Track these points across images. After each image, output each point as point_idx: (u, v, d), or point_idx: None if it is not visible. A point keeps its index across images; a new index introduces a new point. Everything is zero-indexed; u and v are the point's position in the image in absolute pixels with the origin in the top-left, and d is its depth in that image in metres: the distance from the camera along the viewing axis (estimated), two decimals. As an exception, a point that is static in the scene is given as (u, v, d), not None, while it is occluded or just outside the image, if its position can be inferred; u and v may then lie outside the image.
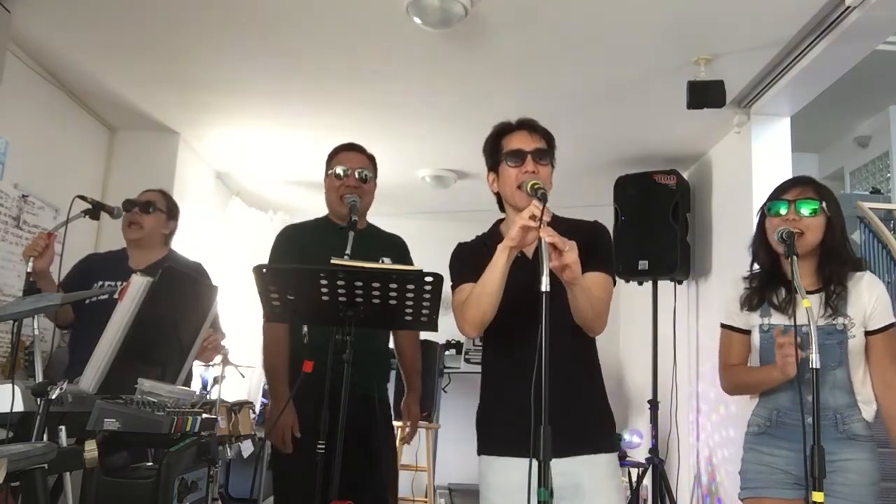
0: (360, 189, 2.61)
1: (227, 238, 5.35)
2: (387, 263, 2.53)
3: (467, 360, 5.63)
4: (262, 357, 2.61)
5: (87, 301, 2.86)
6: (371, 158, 2.73)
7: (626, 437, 4.80)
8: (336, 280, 1.87)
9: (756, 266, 2.28)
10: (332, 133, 3.35)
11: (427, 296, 1.90)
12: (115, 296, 1.96)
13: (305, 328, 2.48)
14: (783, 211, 2.14)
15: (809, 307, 1.88)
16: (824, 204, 2.14)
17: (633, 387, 5.62)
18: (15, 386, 1.70)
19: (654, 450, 4.23)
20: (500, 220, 2.10)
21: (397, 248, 2.74)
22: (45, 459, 1.55)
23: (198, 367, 3.85)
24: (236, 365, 3.80)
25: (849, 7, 2.70)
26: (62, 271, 2.79)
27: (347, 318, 1.92)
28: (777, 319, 2.17)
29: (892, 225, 4.09)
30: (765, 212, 2.21)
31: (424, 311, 1.96)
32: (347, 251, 2.25)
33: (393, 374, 2.97)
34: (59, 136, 3.95)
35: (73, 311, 2.91)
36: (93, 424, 1.74)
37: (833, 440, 2.02)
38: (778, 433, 2.15)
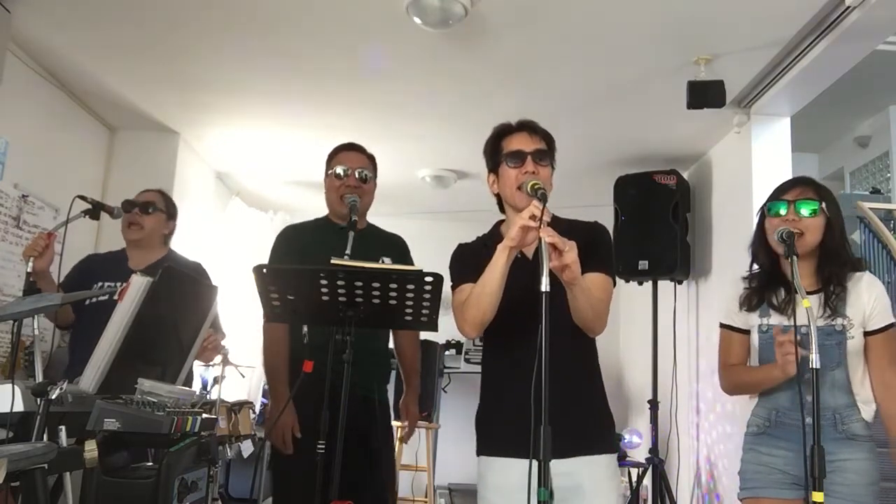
0: (361, 189, 2.61)
1: (227, 238, 5.35)
2: (387, 263, 2.53)
3: (467, 360, 5.63)
4: (262, 357, 2.61)
5: (87, 301, 2.86)
6: (371, 158, 2.73)
7: (626, 437, 4.80)
8: (336, 280, 1.87)
9: (756, 266, 2.29)
10: (332, 133, 3.35)
11: (427, 296, 1.90)
12: (115, 296, 1.96)
13: (305, 328, 2.48)
14: (783, 211, 2.14)
15: (810, 307, 1.89)
16: (824, 204, 2.14)
17: (633, 387, 5.62)
18: (15, 386, 1.70)
19: (654, 450, 4.23)
20: (501, 222, 2.11)
21: (397, 248, 2.74)
22: (45, 459, 1.55)
23: (198, 367, 3.85)
24: (236, 365, 3.80)
25: (849, 7, 2.70)
26: (62, 271, 2.79)
27: (347, 318, 1.93)
28: (776, 320, 2.17)
29: (892, 225, 4.08)
30: (764, 212, 2.21)
31: (424, 311, 1.96)
32: (347, 251, 2.25)
33: (393, 374, 2.97)
34: (59, 136, 3.95)
35: (73, 311, 2.91)
36: (93, 424, 1.74)
37: (832, 440, 2.03)
38: (777, 433, 2.15)
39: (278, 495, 2.54)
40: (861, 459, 2.06)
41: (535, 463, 1.44)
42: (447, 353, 5.71)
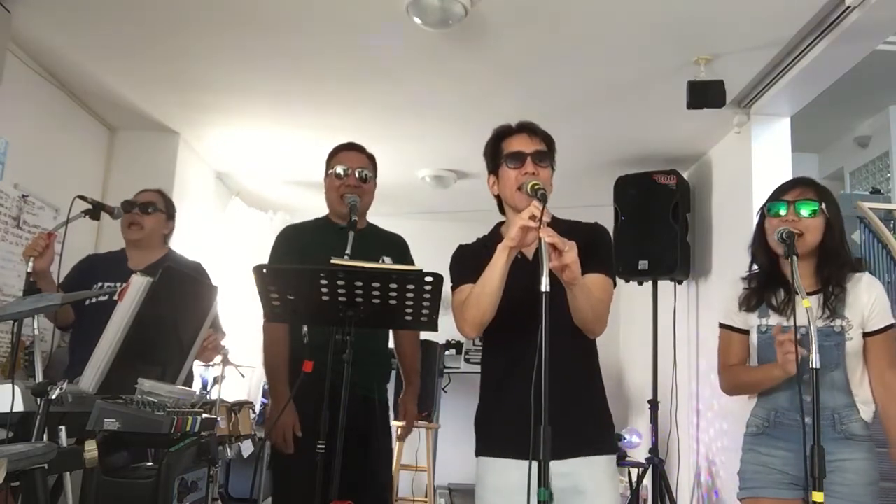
0: (361, 189, 2.61)
1: (227, 238, 5.35)
2: (387, 262, 2.54)
3: (467, 360, 5.63)
4: (262, 357, 2.61)
5: (87, 302, 2.86)
6: (371, 158, 2.73)
7: (626, 436, 4.80)
8: (336, 280, 1.87)
9: (755, 267, 2.29)
10: (332, 133, 3.35)
11: (427, 296, 1.90)
12: (115, 296, 1.96)
13: (305, 328, 2.48)
14: (783, 212, 2.14)
15: (810, 307, 1.89)
16: (824, 205, 2.14)
17: (633, 387, 5.62)
18: (15, 386, 1.70)
19: (654, 450, 4.23)
20: (501, 223, 2.11)
21: (397, 247, 2.74)
22: (45, 459, 1.55)
23: (198, 367, 3.86)
24: (236, 365, 3.80)
25: (849, 7, 2.70)
26: (62, 271, 2.79)
27: (347, 318, 1.93)
28: (775, 321, 2.17)
29: (892, 225, 4.08)
30: (764, 212, 2.21)
31: (424, 311, 1.96)
32: (347, 251, 2.25)
33: (393, 374, 2.97)
34: (59, 136, 3.95)
35: (73, 311, 2.91)
36: (93, 424, 1.74)
37: (831, 440, 2.03)
38: (776, 433, 2.15)
39: (278, 495, 2.54)
40: (860, 459, 2.06)
41: (534, 463, 1.44)
42: (447, 353, 5.72)
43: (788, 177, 3.53)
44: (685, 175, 4.63)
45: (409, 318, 2.00)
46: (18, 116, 3.54)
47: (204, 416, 2.05)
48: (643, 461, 4.35)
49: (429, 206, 5.83)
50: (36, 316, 1.91)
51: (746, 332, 2.24)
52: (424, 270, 1.84)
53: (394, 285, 1.87)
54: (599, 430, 1.96)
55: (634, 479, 4.47)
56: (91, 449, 1.70)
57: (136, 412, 1.80)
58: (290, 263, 2.46)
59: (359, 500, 2.06)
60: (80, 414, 1.77)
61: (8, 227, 3.49)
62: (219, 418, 3.42)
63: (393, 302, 1.92)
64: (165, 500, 1.83)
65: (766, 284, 2.21)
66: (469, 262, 1.98)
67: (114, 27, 3.28)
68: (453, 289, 2.00)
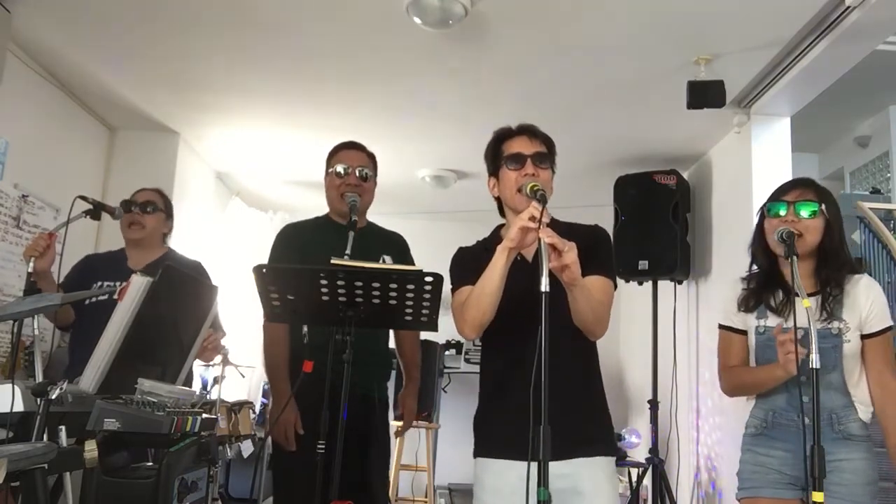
0: (361, 188, 2.62)
1: (227, 238, 5.35)
2: (387, 262, 2.54)
3: (467, 360, 5.63)
4: (262, 356, 2.61)
5: (87, 301, 2.86)
6: (371, 157, 2.73)
7: (625, 437, 4.81)
8: (336, 280, 1.87)
9: (755, 267, 2.29)
10: (332, 133, 3.35)
11: (427, 296, 1.90)
12: (115, 296, 1.96)
13: (305, 328, 2.48)
14: (782, 212, 2.14)
15: (810, 307, 1.88)
16: (824, 206, 2.13)
17: (633, 387, 5.62)
18: (15, 386, 1.70)
19: (654, 450, 4.23)
20: (501, 226, 2.11)
21: (397, 246, 2.75)
22: (45, 459, 1.55)
23: (198, 367, 3.86)
24: (236, 365, 3.81)
25: (849, 7, 2.70)
26: (62, 271, 2.79)
27: (347, 318, 1.92)
28: (773, 322, 2.17)
29: (892, 225, 4.08)
30: (764, 213, 2.21)
31: (424, 311, 1.96)
32: (347, 251, 2.26)
33: (393, 374, 2.97)
34: (59, 136, 3.95)
35: (73, 311, 2.90)
36: (93, 424, 1.74)
37: (829, 440, 2.02)
38: (774, 434, 2.15)
39: (280, 492, 2.54)
40: (858, 459, 2.06)
41: (533, 464, 1.43)
42: (447, 353, 5.72)
43: (788, 177, 3.53)
44: (685, 175, 4.63)
45: (409, 318, 2.00)
46: (18, 116, 3.54)
47: (204, 416, 2.05)
48: (643, 461, 4.35)
49: (429, 206, 5.83)
50: (36, 316, 1.91)
51: (745, 333, 2.24)
52: (424, 270, 1.84)
53: (394, 285, 1.87)
54: (599, 431, 1.96)
55: (634, 479, 4.47)
56: (91, 449, 1.70)
57: (136, 412, 1.80)
58: (290, 262, 2.47)
59: (359, 500, 2.06)
60: (80, 414, 1.77)
61: (8, 227, 3.49)
62: (219, 418, 3.42)
63: (393, 302, 1.92)
64: (165, 500, 1.83)
65: (765, 285, 2.21)
66: (469, 263, 1.98)
67: (114, 27, 3.28)
68: (453, 290, 2.00)
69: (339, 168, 2.63)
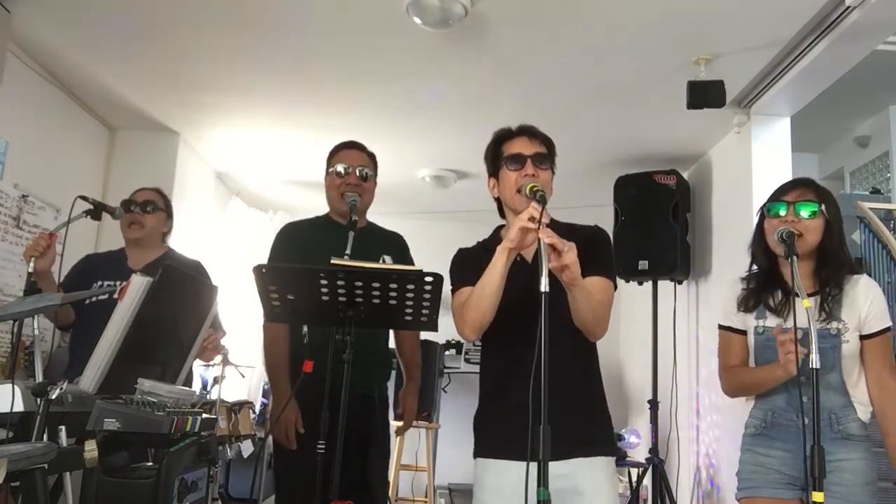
0: (361, 187, 2.62)
1: (227, 238, 5.35)
2: (387, 262, 2.54)
3: (467, 360, 5.63)
4: (262, 355, 2.61)
5: (87, 301, 2.86)
6: (371, 156, 2.73)
7: (625, 436, 4.81)
8: (336, 280, 1.87)
9: (755, 267, 2.29)
10: (332, 133, 3.35)
11: (427, 296, 1.90)
12: (115, 295, 1.96)
13: (305, 328, 2.48)
14: (782, 212, 2.14)
15: (810, 307, 1.88)
16: (824, 206, 2.13)
17: (633, 387, 5.62)
18: (15, 386, 1.70)
19: (654, 450, 4.23)
20: (501, 226, 2.11)
21: (397, 246, 2.75)
22: (45, 459, 1.55)
23: (198, 367, 3.86)
24: (236, 365, 3.81)
25: (849, 7, 2.70)
26: (62, 271, 2.79)
27: (347, 318, 1.93)
28: (772, 322, 2.17)
29: (892, 225, 4.08)
30: (764, 213, 2.21)
31: (424, 311, 1.96)
32: (347, 251, 2.26)
33: (393, 374, 2.97)
34: (59, 136, 3.95)
35: (73, 311, 2.91)
36: (93, 424, 1.74)
37: (829, 440, 2.02)
38: (773, 434, 2.15)
39: (281, 491, 2.54)
40: (857, 459, 2.06)
41: (532, 464, 1.43)
42: (447, 353, 5.72)
43: (788, 177, 3.53)
44: (685, 175, 4.63)
45: (409, 318, 2.00)
46: (18, 116, 3.54)
47: (204, 416, 2.05)
48: (643, 461, 4.35)
49: (429, 206, 5.83)
50: (36, 316, 1.91)
51: (745, 333, 2.24)
52: (424, 270, 1.84)
53: (394, 285, 1.87)
54: (599, 432, 1.96)
55: (634, 479, 4.47)
56: (91, 449, 1.70)
57: (136, 412, 1.80)
58: (290, 262, 2.47)
59: (359, 500, 2.06)
60: (80, 414, 1.77)
61: (8, 227, 3.49)
62: (219, 418, 3.43)
63: (393, 302, 1.92)
64: (165, 500, 1.83)
65: (765, 285, 2.21)
66: (469, 264, 1.98)
67: (114, 27, 3.28)
68: (453, 291, 2.01)
69: (340, 168, 2.63)
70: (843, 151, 5.99)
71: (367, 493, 2.44)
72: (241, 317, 4.39)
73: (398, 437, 3.00)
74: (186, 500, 1.97)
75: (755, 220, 2.29)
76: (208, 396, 3.69)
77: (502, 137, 2.05)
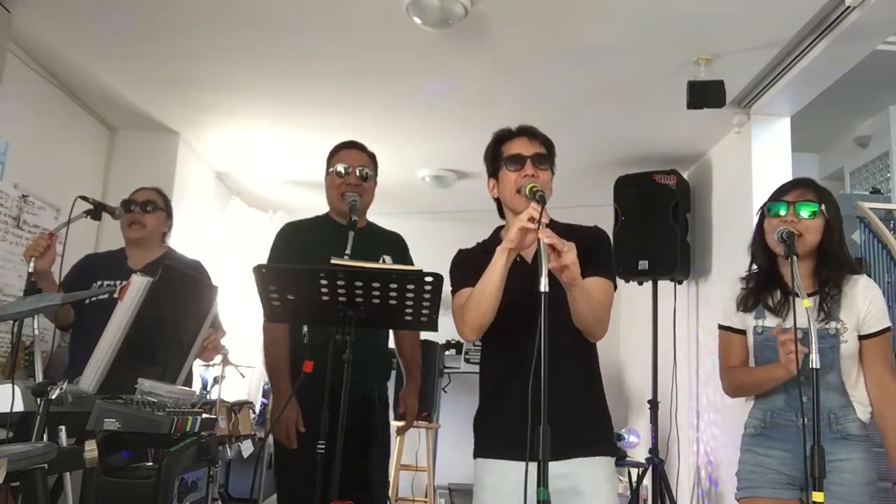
0: (361, 187, 2.62)
1: (227, 238, 5.35)
2: (387, 262, 2.54)
3: (467, 360, 5.63)
4: (262, 355, 2.61)
5: (87, 301, 2.86)
6: (372, 156, 2.73)
7: (625, 436, 4.81)
8: (336, 280, 1.87)
9: (754, 267, 2.29)
10: (332, 133, 3.35)
11: (427, 296, 1.90)
12: (115, 295, 1.96)
13: (305, 328, 2.48)
14: (782, 212, 2.14)
15: (810, 307, 1.89)
16: (824, 207, 2.14)
17: (633, 387, 5.62)
18: (15, 386, 1.70)
19: (654, 450, 4.23)
20: (501, 227, 2.11)
21: (397, 246, 2.75)
22: (45, 459, 1.55)
23: (198, 367, 3.86)
24: (236, 365, 3.81)
25: (849, 7, 2.70)
26: (62, 271, 2.79)
27: (347, 318, 1.93)
28: (771, 322, 2.17)
29: (892, 225, 4.08)
30: (764, 212, 2.21)
31: (424, 311, 1.96)
32: (347, 251, 2.26)
33: (393, 373, 2.97)
34: (59, 136, 3.95)
35: (73, 311, 2.91)
36: (93, 424, 1.74)
37: (828, 440, 2.02)
38: (772, 434, 2.16)
39: (283, 490, 2.54)
40: (857, 459, 2.06)
41: (532, 464, 1.43)
42: (447, 353, 5.72)
43: (788, 177, 3.53)
44: (685, 175, 4.63)
45: (409, 318, 2.00)
46: (18, 116, 3.54)
47: (204, 416, 2.05)
48: (643, 461, 4.35)
49: (429, 206, 5.83)
50: (36, 316, 1.91)
51: (745, 333, 2.24)
52: (424, 270, 1.84)
53: (394, 285, 1.87)
54: (598, 432, 1.96)
55: (634, 479, 4.47)
56: (91, 449, 1.70)
57: (136, 412, 1.80)
58: (290, 261, 2.47)
59: (358, 500, 2.06)
60: (80, 414, 1.77)
61: (8, 227, 3.49)
62: (219, 418, 3.43)
63: (393, 302, 1.92)
64: (165, 500, 1.83)
65: (764, 285, 2.22)
66: (469, 265, 1.98)
67: (114, 27, 3.28)
68: (453, 293, 2.01)
69: (340, 167, 2.63)
70: (843, 151, 5.99)
71: (367, 493, 2.44)
72: (241, 317, 4.39)
73: (398, 437, 3.00)
74: (186, 500, 1.97)
75: (755, 220, 2.29)
76: (208, 396, 3.69)
77: (502, 138, 2.05)
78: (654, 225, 4.41)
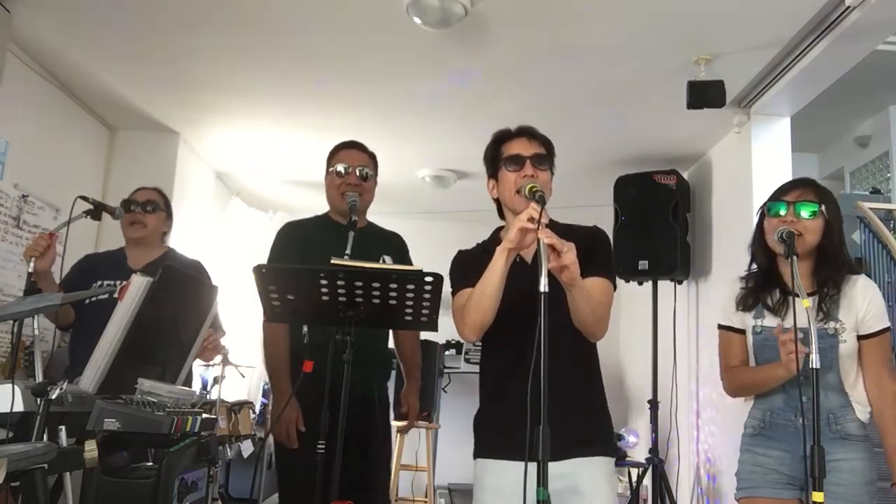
0: (361, 187, 2.62)
1: (227, 238, 5.35)
2: (387, 262, 2.54)
3: (467, 360, 5.63)
4: (262, 354, 2.61)
5: (87, 301, 2.86)
6: (372, 156, 2.73)
7: (625, 436, 4.81)
8: (336, 280, 1.87)
9: (754, 266, 2.29)
10: (332, 133, 3.35)
11: (427, 296, 1.90)
12: (115, 295, 1.96)
13: (305, 328, 2.49)
14: (782, 212, 2.14)
15: (810, 307, 1.89)
16: (824, 207, 2.14)
17: (633, 387, 5.62)
18: (15, 386, 1.70)
19: (654, 450, 4.23)
20: (501, 227, 2.11)
21: (397, 246, 2.75)
22: (45, 459, 1.55)
23: (198, 367, 3.86)
24: (236, 365, 3.81)
25: (849, 7, 2.70)
26: (62, 271, 2.79)
27: (347, 318, 1.93)
28: (770, 321, 2.17)
29: (892, 225, 4.08)
30: (764, 212, 2.21)
31: (424, 311, 1.96)
32: (347, 251, 2.26)
33: (393, 373, 2.97)
34: (59, 136, 3.95)
35: (73, 311, 2.91)
36: (93, 424, 1.74)
37: (827, 440, 2.02)
38: (771, 434, 2.16)
39: (284, 489, 2.54)
40: (856, 459, 2.06)
41: (531, 464, 1.43)
42: (447, 353, 5.72)
43: (788, 177, 3.54)
44: (685, 175, 4.63)
45: (409, 318, 2.00)
46: (18, 116, 3.54)
47: (204, 416, 2.05)
48: (643, 461, 4.35)
49: (429, 206, 5.83)
50: (36, 316, 1.91)
51: (744, 332, 2.24)
52: (424, 270, 1.84)
53: (394, 285, 1.87)
54: (598, 432, 1.96)
55: (634, 479, 4.47)
56: (91, 449, 1.70)
57: (136, 412, 1.80)
58: (290, 261, 2.47)
59: (358, 500, 2.06)
60: (80, 414, 1.77)
61: (8, 227, 3.49)
62: (219, 418, 3.43)
63: (393, 302, 1.92)
64: (165, 500, 1.83)
65: (764, 284, 2.22)
66: (469, 266, 1.98)
67: (114, 27, 3.28)
68: (453, 293, 2.01)
69: (340, 167, 2.63)
70: (843, 151, 5.99)
71: (367, 493, 2.44)
72: (241, 317, 4.39)
73: (399, 437, 3.00)
74: (186, 500, 1.97)
75: (755, 219, 2.29)
76: (208, 396, 3.69)
77: (501, 138, 2.05)
78: (654, 225, 4.41)
